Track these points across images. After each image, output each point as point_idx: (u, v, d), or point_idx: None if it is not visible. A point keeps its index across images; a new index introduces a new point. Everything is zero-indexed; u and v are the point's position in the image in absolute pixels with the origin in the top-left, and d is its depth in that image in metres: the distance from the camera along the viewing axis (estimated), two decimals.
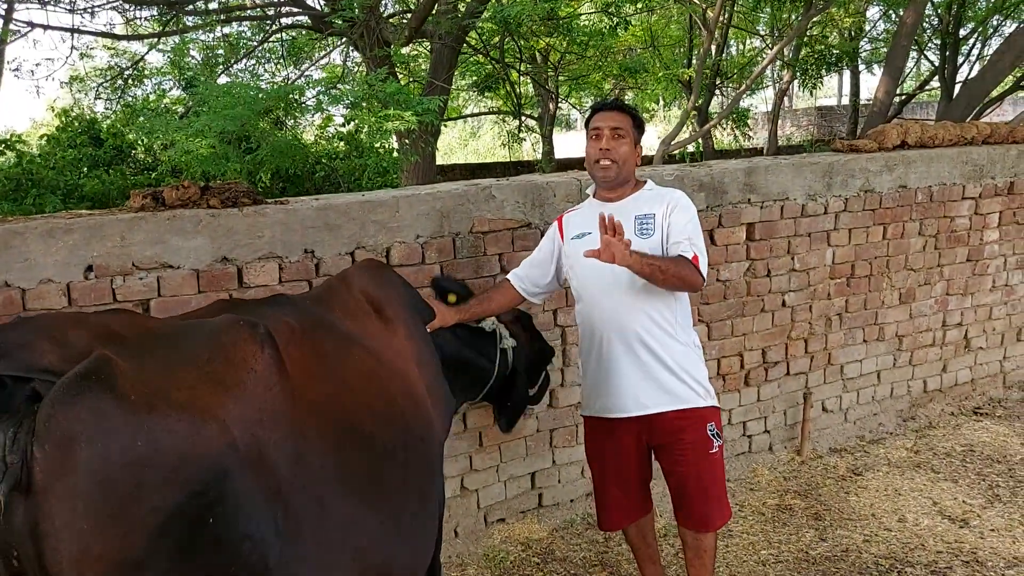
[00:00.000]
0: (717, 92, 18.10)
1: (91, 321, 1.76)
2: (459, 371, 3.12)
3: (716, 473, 3.16)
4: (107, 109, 14.12)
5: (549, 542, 4.15)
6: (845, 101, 31.02)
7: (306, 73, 14.02)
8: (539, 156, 17.24)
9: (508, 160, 20.92)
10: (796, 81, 14.55)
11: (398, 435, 2.16)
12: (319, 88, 7.80)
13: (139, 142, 15.97)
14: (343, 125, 13.28)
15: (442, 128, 12.16)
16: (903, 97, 16.82)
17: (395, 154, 10.40)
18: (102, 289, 3.18)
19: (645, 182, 3.27)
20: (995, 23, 14.62)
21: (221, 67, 12.80)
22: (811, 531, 4.15)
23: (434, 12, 8.80)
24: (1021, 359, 5.95)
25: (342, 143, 15.80)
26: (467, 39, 10.36)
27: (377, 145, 14.65)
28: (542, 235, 4.01)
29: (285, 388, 1.84)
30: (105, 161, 14.49)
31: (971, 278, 5.55)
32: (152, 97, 14.50)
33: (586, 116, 3.33)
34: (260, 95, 6.05)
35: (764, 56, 15.73)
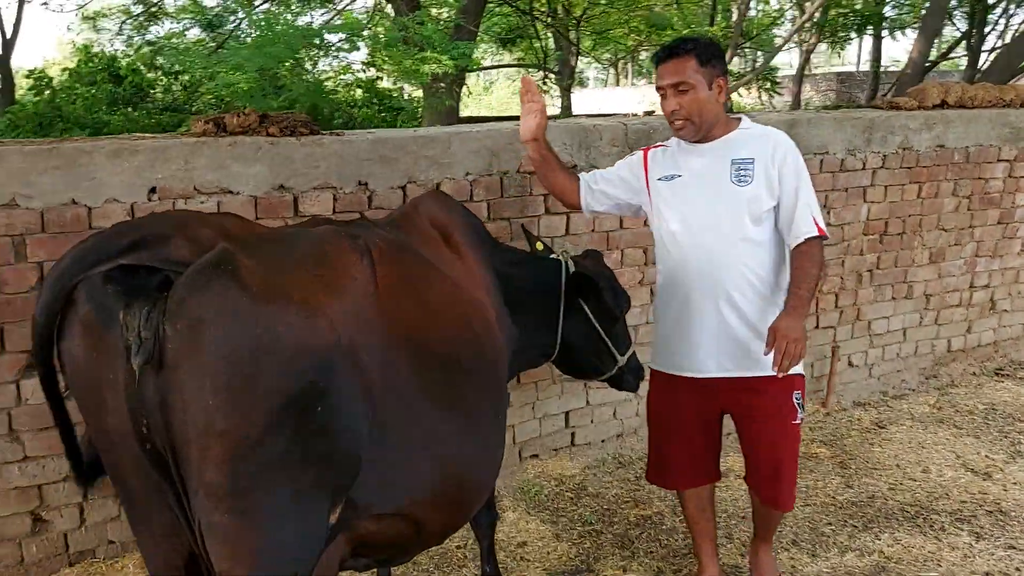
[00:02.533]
0: (739, 52, 17.98)
1: (212, 221, 1.86)
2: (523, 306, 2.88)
3: (793, 448, 2.98)
4: (128, 47, 14.09)
5: (581, 479, 4.26)
6: (863, 67, 30.78)
7: (329, 17, 13.92)
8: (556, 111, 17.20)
9: (508, 115, 20.87)
10: (824, 43, 14.42)
11: (473, 355, 2.23)
12: (350, 30, 7.75)
13: (158, 80, 15.92)
14: (364, 70, 13.25)
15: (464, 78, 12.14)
16: (927, 64, 16.69)
17: (418, 100, 10.41)
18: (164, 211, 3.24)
19: (739, 118, 2.96)
20: None
21: (240, 8, 12.72)
22: (837, 478, 4.25)
23: None
24: None
25: (360, 90, 15.74)
26: None
27: (395, 94, 14.57)
28: None
29: (378, 299, 1.92)
30: (125, 99, 14.49)
31: (1000, 241, 5.59)
32: (174, 34, 14.44)
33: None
34: (299, 33, 6.05)
35: (786, 17, 15.64)
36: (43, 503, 3.27)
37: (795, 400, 2.91)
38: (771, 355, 2.70)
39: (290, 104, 6.59)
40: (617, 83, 38.04)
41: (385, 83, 15.23)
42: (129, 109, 14.14)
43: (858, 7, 16.17)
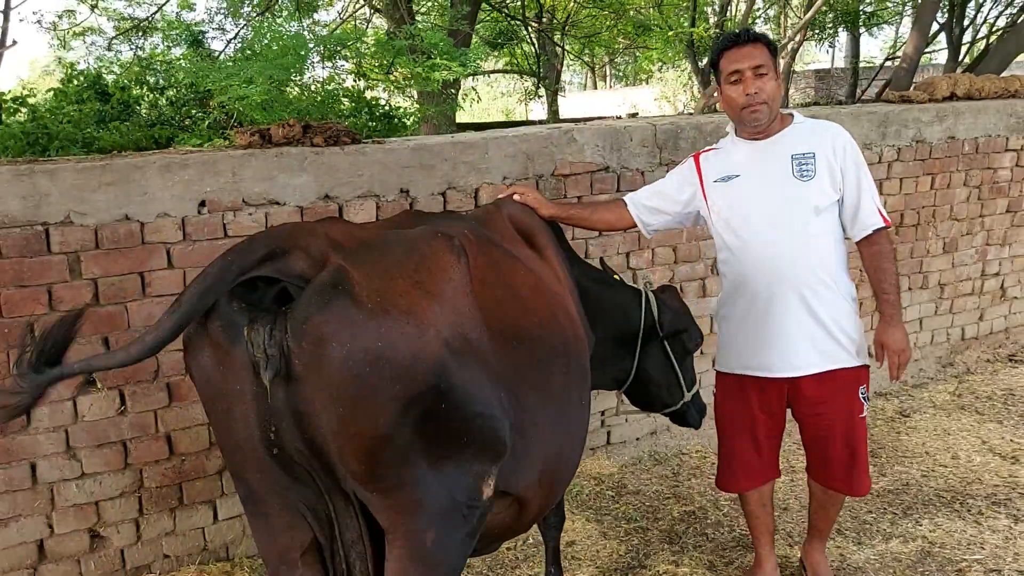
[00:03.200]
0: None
1: (319, 231, 1.93)
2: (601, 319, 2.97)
3: (862, 437, 2.99)
4: (114, 64, 14.01)
5: (620, 476, 4.30)
6: (838, 64, 31.09)
7: (316, 27, 13.93)
8: (529, 116, 17.28)
9: (507, 120, 20.97)
10: (812, 40, 14.63)
11: (560, 344, 2.32)
12: (353, 39, 7.78)
13: (144, 96, 15.85)
14: (356, 79, 13.24)
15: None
16: (887, 58, 16.87)
17: (414, 107, 10.42)
18: (214, 224, 3.26)
19: (791, 114, 2.97)
20: None
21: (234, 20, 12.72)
22: (870, 468, 4.31)
23: None
24: None
25: (346, 100, 15.71)
26: None
27: (384, 104, 14.56)
28: (619, 179, 4.14)
29: (474, 295, 2.02)
30: (112, 116, 14.40)
31: (1010, 229, 5.69)
32: (159, 51, 14.38)
33: (710, 57, 2.99)
34: (307, 43, 6.07)
35: (764, 16, 15.87)
36: (100, 519, 3.27)
37: (861, 394, 2.94)
38: (838, 349, 2.85)
39: (299, 116, 6.58)
40: (595, 87, 38.24)
41: (371, 92, 15.24)
42: (117, 123, 14.07)
43: (836, 4, 16.37)
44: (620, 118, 5.27)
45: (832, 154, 2.81)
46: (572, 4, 14.02)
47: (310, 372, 1.70)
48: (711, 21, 17.64)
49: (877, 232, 2.83)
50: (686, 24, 16.71)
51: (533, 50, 12.85)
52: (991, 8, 15.45)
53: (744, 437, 3.10)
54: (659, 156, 4.19)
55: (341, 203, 3.48)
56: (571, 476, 2.50)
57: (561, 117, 17.12)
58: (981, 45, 15.75)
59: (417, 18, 9.10)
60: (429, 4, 11.04)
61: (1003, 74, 6.41)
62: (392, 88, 15.44)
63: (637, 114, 19.63)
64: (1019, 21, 7.61)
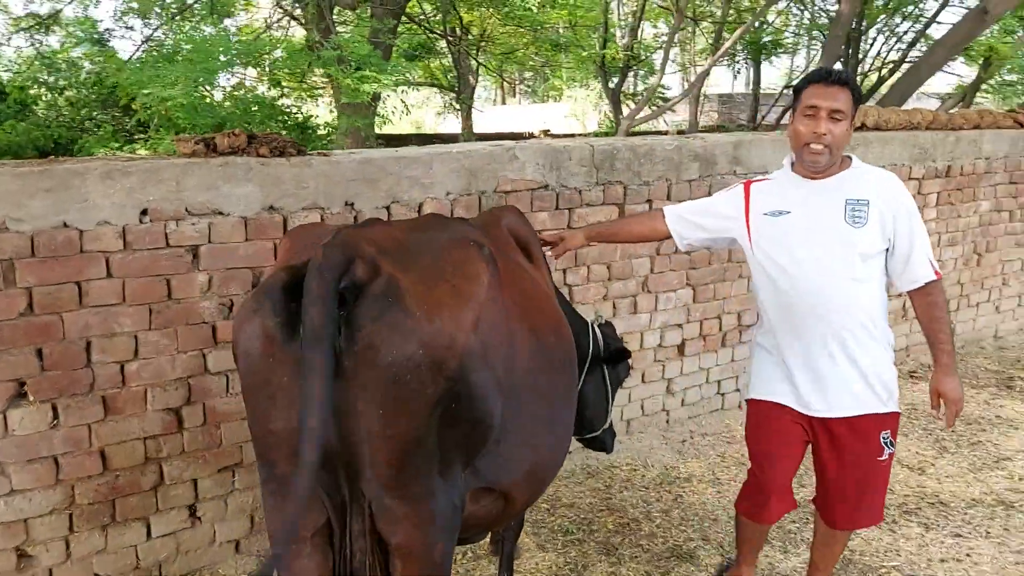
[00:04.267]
0: (630, 74, 18.63)
1: (367, 236, 2.05)
2: None
3: (879, 480, 2.99)
4: (12, 60, 13.41)
5: (554, 490, 4.36)
6: (739, 89, 32.27)
7: (227, 32, 13.62)
8: (437, 130, 17.28)
9: (420, 133, 20.93)
10: (721, 66, 15.20)
11: (561, 352, 2.50)
12: (270, 46, 7.67)
13: (41, 96, 15.23)
14: (270, 87, 13.05)
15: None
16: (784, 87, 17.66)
17: (333, 118, 10.34)
18: (156, 233, 3.19)
19: (850, 158, 2.92)
20: (896, 22, 15.62)
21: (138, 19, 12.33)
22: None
23: None
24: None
25: (256, 108, 15.45)
26: (407, 7, 10.35)
27: (296, 113, 14.42)
28: (558, 197, 4.22)
29: (501, 301, 2.17)
30: (8, 116, 13.79)
31: None
32: (57, 52, 13.84)
33: (797, 84, 2.90)
34: (235, 49, 5.96)
35: (674, 39, 16.38)
36: (29, 538, 3.13)
37: (883, 439, 2.93)
38: (870, 394, 2.87)
39: (222, 122, 6.49)
40: (504, 102, 38.57)
41: (283, 100, 15.02)
42: (14, 122, 13.49)
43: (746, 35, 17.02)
44: (532, 134, 5.35)
45: (885, 204, 2.79)
46: (490, 20, 14.18)
47: (358, 374, 1.83)
48: (620, 43, 18.11)
49: (930, 283, 2.84)
50: (596, 46, 17.08)
51: (449, 64, 12.92)
52: (883, 44, 16.41)
53: (778, 467, 3.06)
54: (596, 176, 4.30)
55: (286, 215, 3.44)
56: (555, 474, 2.63)
57: (475, 131, 17.22)
58: (874, 77, 16.70)
59: (340, 29, 9.03)
60: (349, 14, 10.97)
61: (903, 107, 6.82)
62: (305, 96, 15.26)
63: (549, 131, 19.92)
64: (914, 56, 8.09)
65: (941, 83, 16.65)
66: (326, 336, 1.78)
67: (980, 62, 12.16)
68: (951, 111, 6.75)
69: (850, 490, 2.98)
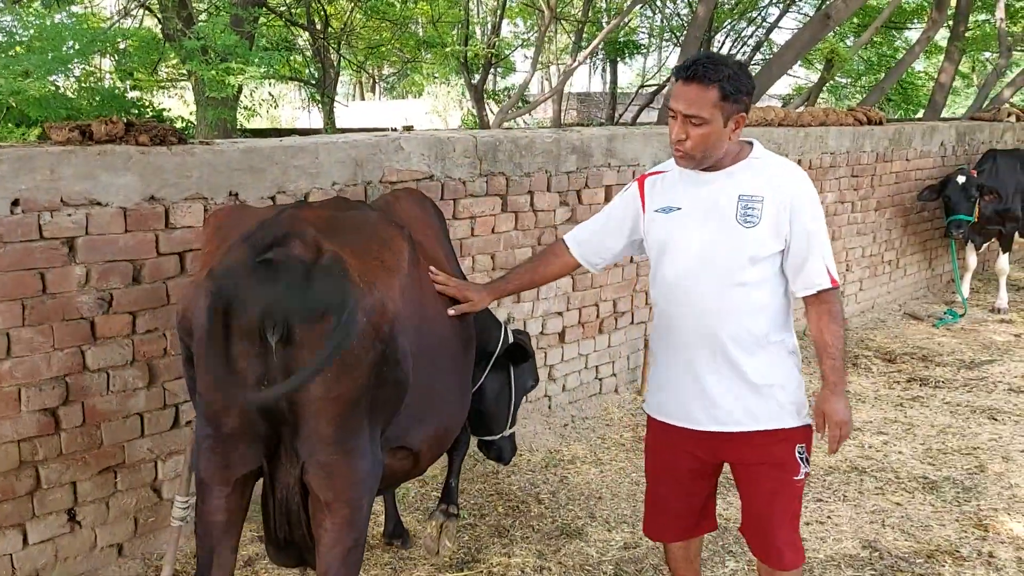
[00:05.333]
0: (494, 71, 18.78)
1: (305, 216, 2.29)
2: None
3: (794, 505, 2.68)
4: None
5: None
6: (595, 88, 33.13)
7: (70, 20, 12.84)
8: (295, 124, 16.86)
9: (272, 128, 20.42)
10: (584, 65, 15.60)
11: (463, 326, 2.75)
12: (126, 37, 7.34)
13: None
14: (121, 79, 12.42)
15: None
16: (655, 87, 18.36)
17: (191, 111, 9.96)
18: (29, 225, 3.03)
19: (751, 145, 2.59)
20: (742, 26, 16.52)
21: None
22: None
23: None
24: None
25: (99, 99, 14.68)
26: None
27: (148, 107, 13.83)
28: (443, 188, 4.27)
29: (415, 275, 2.42)
30: None
31: None
32: None
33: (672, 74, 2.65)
34: (91, 36, 5.66)
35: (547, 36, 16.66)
36: None
37: (798, 455, 2.61)
38: (770, 409, 2.57)
39: (71, 115, 6.12)
40: (363, 98, 38.07)
41: (135, 93, 14.34)
42: None
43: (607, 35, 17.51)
44: (394, 129, 5.43)
45: (782, 202, 2.47)
46: (354, 15, 14.00)
47: (308, 340, 2.04)
48: (481, 40, 18.27)
49: (825, 291, 2.55)
50: (458, 44, 17.16)
51: (310, 58, 12.70)
52: (730, 47, 17.27)
53: (672, 486, 2.79)
54: (480, 167, 4.37)
55: (168, 205, 3.34)
56: (455, 436, 2.94)
57: (338, 127, 16.95)
58: None
59: (200, 19, 8.72)
60: (206, 2, 10.59)
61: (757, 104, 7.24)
62: (156, 88, 14.58)
63: (412, 127, 19.77)
64: (759, 59, 8.59)
65: (781, 84, 17.70)
66: (261, 309, 1.98)
67: (823, 63, 13.04)
68: (799, 109, 7.22)
69: (765, 515, 2.67)
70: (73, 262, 3.15)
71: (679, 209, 2.59)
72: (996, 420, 5.27)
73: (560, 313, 5.05)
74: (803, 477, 2.64)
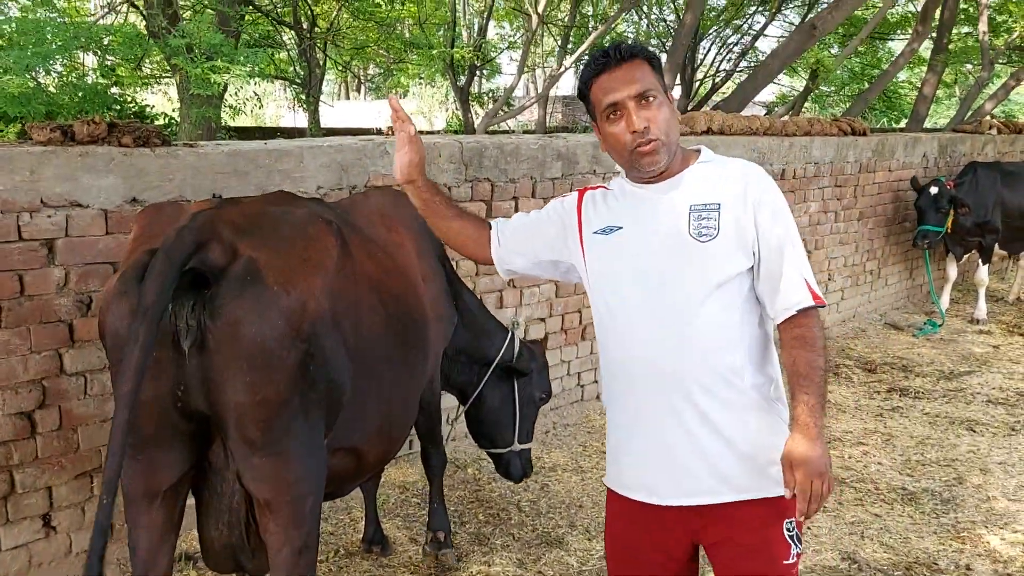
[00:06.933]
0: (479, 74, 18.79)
1: (223, 217, 2.21)
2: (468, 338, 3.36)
3: None
4: None
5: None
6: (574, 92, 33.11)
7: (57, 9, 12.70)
8: (280, 123, 16.74)
9: (257, 126, 20.31)
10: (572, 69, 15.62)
11: (406, 321, 2.71)
12: (109, 33, 7.27)
13: None
14: (104, 76, 12.30)
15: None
16: None
17: (174, 109, 9.86)
18: (7, 226, 2.99)
19: (698, 151, 2.16)
20: (728, 34, 16.63)
21: None
22: None
23: None
24: None
25: (81, 95, 14.54)
26: None
27: (132, 103, 13.73)
28: None
29: (348, 271, 2.37)
30: None
31: None
32: None
33: (579, 88, 2.13)
34: (73, 33, 5.60)
35: (519, 41, 16.68)
36: None
37: (787, 532, 2.05)
38: (752, 473, 2.02)
39: (52, 112, 6.05)
40: (348, 97, 37.96)
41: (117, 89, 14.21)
42: None
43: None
44: (379, 131, 5.41)
45: (743, 207, 2.02)
46: (342, 15, 13.95)
47: (223, 346, 2.02)
48: (467, 42, 18.25)
49: (803, 312, 2.00)
50: (444, 45, 17.13)
51: (295, 57, 12.65)
52: (716, 54, 17.40)
53: (621, 571, 2.24)
54: (465, 172, 4.36)
55: None
56: (406, 433, 2.91)
57: (322, 127, 16.88)
58: (708, 84, 17.65)
59: (184, 15, 8.65)
60: (192, 1, 10.51)
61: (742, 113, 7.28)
62: (140, 84, 14.46)
63: (391, 128, 19.63)
64: (743, 66, 8.64)
65: (766, 92, 17.83)
66: (155, 313, 1.92)
67: (808, 72, 13.16)
68: (783, 118, 7.26)
69: None
70: (52, 264, 3.12)
71: (620, 228, 2.12)
72: (975, 432, 5.30)
73: (543, 319, 5.04)
74: (795, 560, 2.07)
